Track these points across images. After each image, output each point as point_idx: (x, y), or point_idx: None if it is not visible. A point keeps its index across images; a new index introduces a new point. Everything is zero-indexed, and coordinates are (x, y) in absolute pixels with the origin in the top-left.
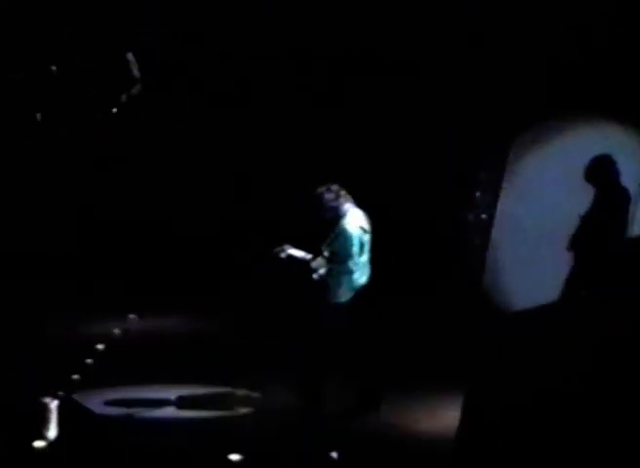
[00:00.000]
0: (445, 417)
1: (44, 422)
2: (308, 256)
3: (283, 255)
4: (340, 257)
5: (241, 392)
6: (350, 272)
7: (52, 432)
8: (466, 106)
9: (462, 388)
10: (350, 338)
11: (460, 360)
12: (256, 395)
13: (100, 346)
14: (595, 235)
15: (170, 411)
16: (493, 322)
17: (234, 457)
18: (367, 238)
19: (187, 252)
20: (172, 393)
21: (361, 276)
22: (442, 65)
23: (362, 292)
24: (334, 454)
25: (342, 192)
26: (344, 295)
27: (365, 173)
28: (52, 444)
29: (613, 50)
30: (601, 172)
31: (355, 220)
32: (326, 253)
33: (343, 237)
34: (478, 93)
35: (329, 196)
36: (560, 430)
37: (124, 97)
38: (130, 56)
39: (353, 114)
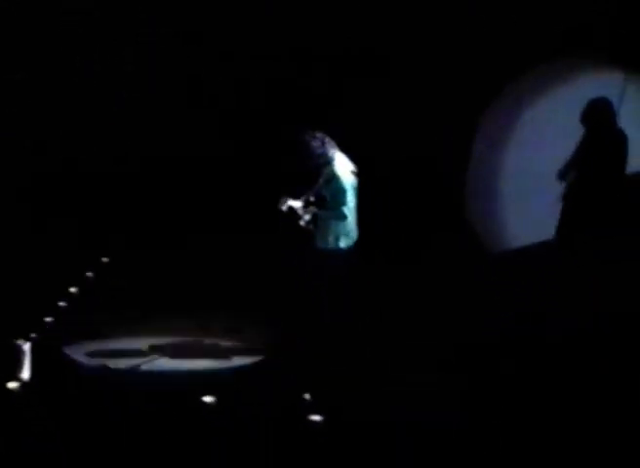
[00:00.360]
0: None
1: (17, 364)
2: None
3: (284, 208)
4: (333, 203)
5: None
6: (344, 217)
7: (25, 374)
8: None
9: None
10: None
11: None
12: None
13: (72, 289)
14: (588, 175)
15: (145, 361)
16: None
17: (208, 399)
18: (356, 182)
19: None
20: (143, 342)
21: (351, 222)
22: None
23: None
24: (307, 396)
25: (327, 138)
26: (335, 241)
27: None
28: (25, 385)
29: None
30: (596, 114)
31: (344, 165)
32: (313, 199)
33: (336, 183)
34: (479, 35)
35: (315, 143)
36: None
37: None
38: None
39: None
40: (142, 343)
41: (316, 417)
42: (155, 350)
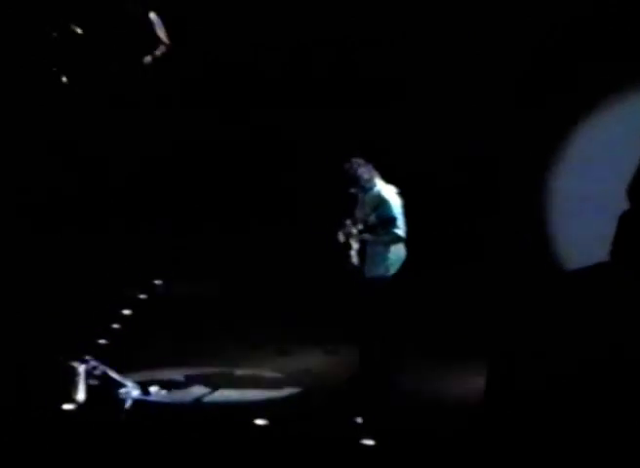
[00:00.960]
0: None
1: (72, 386)
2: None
3: (341, 238)
4: (386, 226)
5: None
6: (401, 239)
7: (80, 395)
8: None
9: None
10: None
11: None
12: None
13: (126, 311)
14: None
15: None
16: (540, 282)
17: (260, 422)
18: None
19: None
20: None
21: (404, 245)
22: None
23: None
24: (358, 419)
25: (369, 165)
26: (386, 270)
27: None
28: (80, 406)
29: None
30: None
31: (388, 189)
32: (361, 227)
33: (386, 206)
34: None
35: (362, 170)
36: (604, 401)
37: (148, 59)
38: (153, 16)
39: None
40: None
41: (369, 442)
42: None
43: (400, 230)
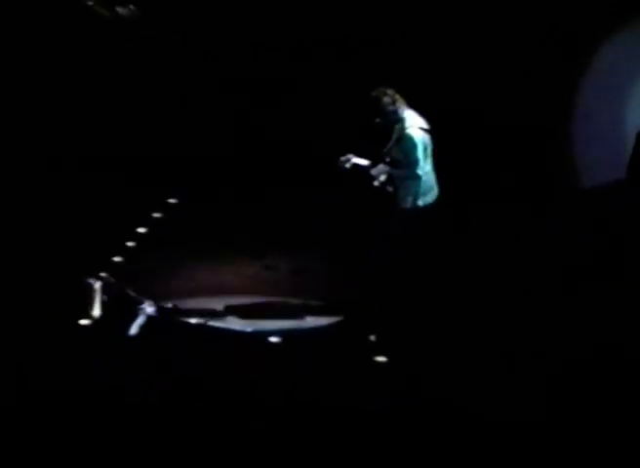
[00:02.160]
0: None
1: (89, 302)
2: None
3: (348, 165)
4: (406, 163)
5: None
6: (417, 177)
7: (96, 311)
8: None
9: None
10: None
11: None
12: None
13: (141, 229)
14: None
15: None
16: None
17: (274, 339)
18: (429, 140)
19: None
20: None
21: (428, 180)
22: None
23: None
24: (372, 337)
25: (397, 96)
26: (413, 201)
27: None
28: (96, 322)
29: None
30: None
31: (416, 123)
32: (388, 159)
33: (408, 141)
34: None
35: (386, 100)
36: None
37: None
38: None
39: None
40: (218, 304)
41: (382, 358)
42: (230, 311)
43: (418, 168)
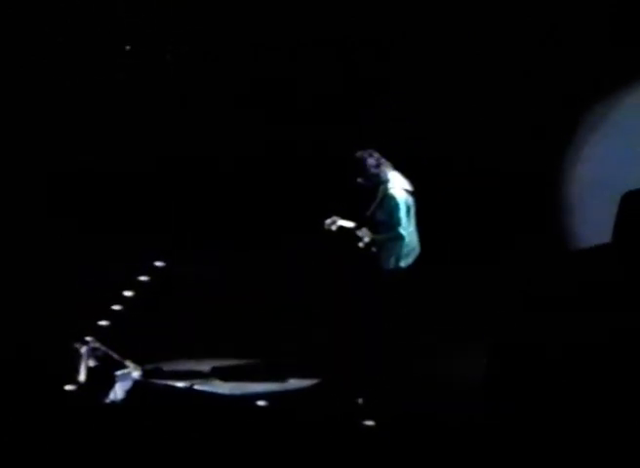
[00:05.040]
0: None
1: (74, 367)
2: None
3: (334, 228)
4: (388, 224)
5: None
6: (401, 238)
7: (81, 376)
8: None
9: None
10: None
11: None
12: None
13: (127, 293)
14: None
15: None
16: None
17: (261, 403)
18: (412, 201)
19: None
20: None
21: (411, 241)
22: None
23: (417, 258)
24: (359, 400)
25: (383, 159)
26: (395, 262)
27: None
28: (82, 387)
29: None
30: None
31: (399, 184)
32: (373, 221)
33: (390, 203)
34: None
35: (370, 161)
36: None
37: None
38: None
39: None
40: (203, 366)
41: (369, 423)
42: (214, 373)
43: (401, 228)
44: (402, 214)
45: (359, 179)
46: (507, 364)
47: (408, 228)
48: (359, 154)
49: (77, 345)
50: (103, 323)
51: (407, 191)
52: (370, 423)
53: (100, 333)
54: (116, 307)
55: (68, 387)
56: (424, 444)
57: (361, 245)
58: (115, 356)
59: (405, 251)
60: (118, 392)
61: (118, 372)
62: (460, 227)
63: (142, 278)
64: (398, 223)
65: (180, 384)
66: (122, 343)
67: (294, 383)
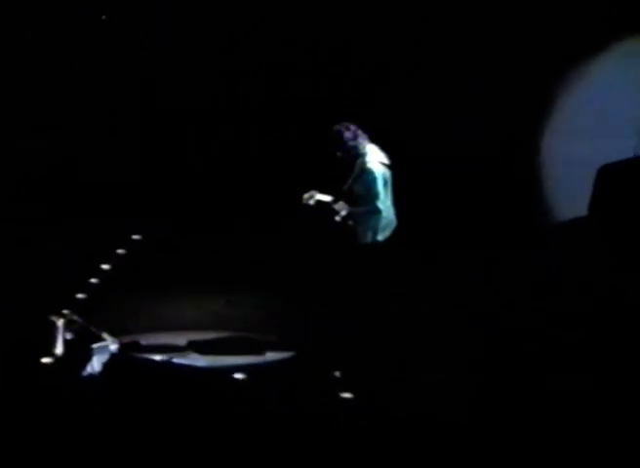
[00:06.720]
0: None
1: (51, 340)
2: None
3: (312, 202)
4: (366, 197)
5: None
6: (378, 211)
7: (58, 349)
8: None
9: None
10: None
11: None
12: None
13: (104, 266)
14: None
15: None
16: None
17: (239, 376)
18: (389, 174)
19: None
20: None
21: (388, 215)
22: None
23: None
24: (337, 373)
25: (360, 131)
26: (373, 236)
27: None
28: (58, 359)
29: None
30: None
31: (376, 157)
32: (350, 194)
33: (367, 176)
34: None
35: (348, 134)
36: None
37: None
38: None
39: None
40: (180, 339)
41: (347, 395)
42: (192, 347)
43: (379, 202)
44: (379, 187)
45: (337, 153)
46: None
47: (385, 202)
48: (336, 127)
49: (54, 318)
50: (80, 295)
51: (384, 164)
52: (347, 395)
53: (76, 306)
54: (93, 280)
55: (45, 360)
56: (404, 416)
57: (338, 218)
58: (92, 329)
59: (382, 224)
60: (95, 365)
61: (95, 345)
62: (440, 213)
63: (120, 251)
64: (376, 197)
65: (157, 357)
66: (99, 316)
67: (272, 356)
